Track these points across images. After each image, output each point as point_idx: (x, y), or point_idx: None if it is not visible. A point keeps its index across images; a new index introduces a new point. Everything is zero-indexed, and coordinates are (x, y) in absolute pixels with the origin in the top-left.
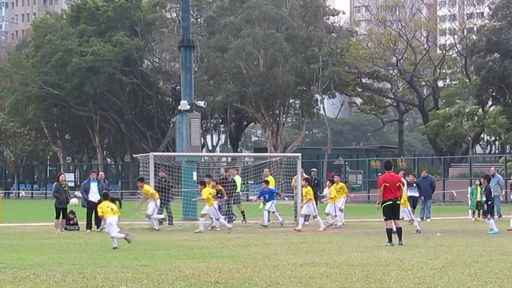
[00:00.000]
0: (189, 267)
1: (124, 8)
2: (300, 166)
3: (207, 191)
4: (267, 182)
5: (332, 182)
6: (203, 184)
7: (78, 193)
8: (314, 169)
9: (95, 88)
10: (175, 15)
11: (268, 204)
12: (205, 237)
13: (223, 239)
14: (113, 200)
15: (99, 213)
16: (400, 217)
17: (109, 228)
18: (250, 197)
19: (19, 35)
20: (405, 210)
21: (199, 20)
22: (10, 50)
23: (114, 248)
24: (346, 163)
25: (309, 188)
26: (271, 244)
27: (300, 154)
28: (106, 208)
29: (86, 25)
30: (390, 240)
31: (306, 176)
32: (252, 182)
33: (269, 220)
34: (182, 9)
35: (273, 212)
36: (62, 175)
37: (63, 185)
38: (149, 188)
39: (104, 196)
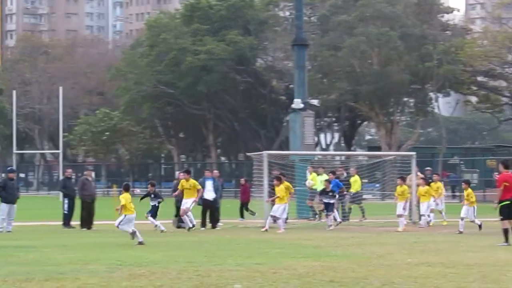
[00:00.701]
0: (304, 265)
1: (238, 7)
2: (414, 165)
3: (282, 189)
4: (328, 182)
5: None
6: (280, 179)
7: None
8: (429, 168)
9: (208, 87)
10: (288, 13)
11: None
12: (320, 236)
13: (338, 238)
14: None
15: (123, 205)
16: None
17: (128, 224)
18: (363, 196)
19: (134, 35)
20: None
21: (312, 18)
22: (125, 50)
23: (140, 243)
24: (461, 162)
25: (405, 186)
26: (386, 243)
27: (414, 153)
28: (130, 204)
29: (199, 24)
30: (506, 240)
31: (422, 175)
32: (366, 181)
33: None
34: (295, 8)
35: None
36: (181, 174)
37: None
38: (197, 183)
39: (125, 188)
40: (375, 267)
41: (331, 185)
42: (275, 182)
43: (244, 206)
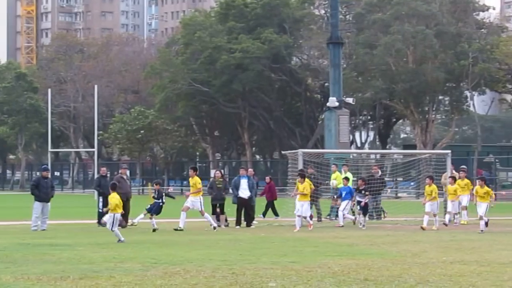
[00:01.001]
0: (338, 264)
1: (273, 5)
2: (449, 163)
3: (307, 186)
4: (347, 179)
5: (484, 180)
6: (303, 176)
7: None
8: (464, 166)
9: (243, 85)
10: (323, 12)
11: (344, 204)
12: (354, 234)
13: (372, 236)
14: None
15: (111, 206)
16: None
17: (115, 223)
18: (399, 194)
19: (169, 33)
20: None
21: (347, 16)
22: (160, 48)
23: (121, 241)
24: (497, 160)
25: (434, 186)
26: (420, 241)
27: (449, 151)
28: (119, 203)
29: (234, 22)
30: None
31: (454, 174)
32: (401, 179)
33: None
34: (330, 6)
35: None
36: (217, 172)
37: (217, 182)
38: (199, 181)
39: (112, 187)
40: (410, 265)
41: (344, 193)
42: (298, 179)
43: (270, 205)
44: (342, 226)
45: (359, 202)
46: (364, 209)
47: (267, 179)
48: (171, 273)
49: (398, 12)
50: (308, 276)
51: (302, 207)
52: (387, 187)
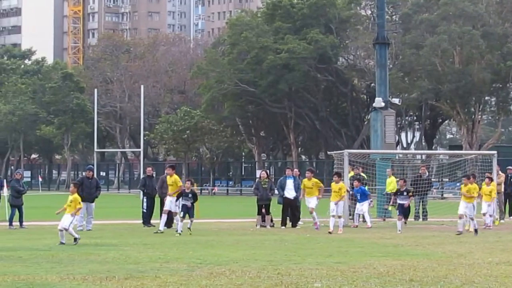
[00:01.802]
0: (383, 264)
1: (319, 6)
2: (495, 164)
3: (343, 186)
4: (359, 180)
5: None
6: (340, 175)
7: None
8: (510, 167)
9: (290, 86)
10: (370, 12)
11: (365, 205)
12: (400, 235)
13: (418, 237)
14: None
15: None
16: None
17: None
18: (444, 195)
19: (215, 33)
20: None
21: (394, 17)
22: (207, 48)
23: (61, 243)
24: None
25: (469, 186)
26: (466, 242)
27: (495, 152)
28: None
29: (281, 23)
30: None
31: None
32: (447, 180)
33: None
34: (377, 6)
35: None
36: (263, 173)
37: (262, 182)
38: (179, 179)
39: (76, 186)
40: (455, 266)
41: (357, 194)
42: (335, 178)
43: None
44: (357, 226)
45: (401, 205)
46: (406, 212)
47: None
48: (217, 273)
49: (445, 13)
50: (354, 276)
51: (337, 206)
52: (433, 187)
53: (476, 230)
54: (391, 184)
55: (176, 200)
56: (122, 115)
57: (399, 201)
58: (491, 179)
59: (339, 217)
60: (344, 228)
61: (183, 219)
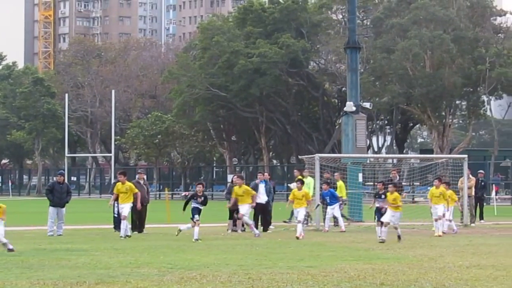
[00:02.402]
0: (355, 268)
1: (291, 10)
2: (466, 167)
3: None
4: (327, 184)
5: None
6: (303, 183)
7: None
8: (481, 171)
9: (261, 90)
10: (341, 16)
11: (336, 208)
12: (371, 238)
13: (388, 241)
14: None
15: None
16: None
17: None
18: (416, 199)
19: (186, 37)
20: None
21: (365, 21)
22: (178, 52)
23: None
24: None
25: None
26: (437, 246)
27: (466, 156)
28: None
29: (252, 27)
30: None
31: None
32: (418, 183)
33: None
34: (348, 11)
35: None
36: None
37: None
38: (133, 186)
39: None
40: (426, 269)
41: (326, 196)
42: (298, 185)
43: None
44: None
45: (379, 209)
46: (380, 216)
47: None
48: (188, 278)
49: (416, 17)
50: (324, 281)
51: (298, 213)
52: (404, 191)
53: (399, 237)
54: (341, 188)
55: (187, 203)
56: (93, 120)
57: (376, 204)
58: (441, 181)
59: (299, 221)
60: (315, 232)
61: (198, 223)
